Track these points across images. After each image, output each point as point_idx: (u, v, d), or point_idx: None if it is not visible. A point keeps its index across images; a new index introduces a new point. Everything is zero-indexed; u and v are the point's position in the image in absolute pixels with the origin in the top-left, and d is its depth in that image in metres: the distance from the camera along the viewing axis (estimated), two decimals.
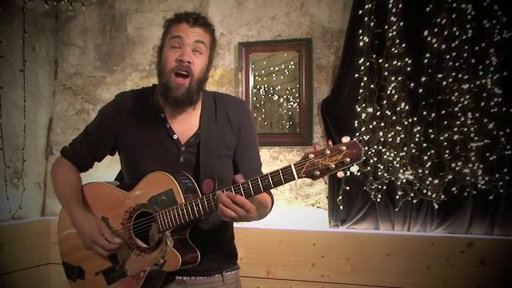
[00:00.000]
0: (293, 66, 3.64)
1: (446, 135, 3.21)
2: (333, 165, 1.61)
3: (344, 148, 1.61)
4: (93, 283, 2.01)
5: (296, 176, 1.65)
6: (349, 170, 3.38)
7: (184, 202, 1.81)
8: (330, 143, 1.65)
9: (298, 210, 3.57)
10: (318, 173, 1.63)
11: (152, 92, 2.03)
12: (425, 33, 3.23)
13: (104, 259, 1.97)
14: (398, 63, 3.28)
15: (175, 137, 1.95)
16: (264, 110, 3.72)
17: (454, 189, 3.20)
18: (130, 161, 2.02)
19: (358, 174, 3.37)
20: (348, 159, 1.60)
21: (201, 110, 1.99)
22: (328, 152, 1.63)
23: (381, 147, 3.32)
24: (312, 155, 1.64)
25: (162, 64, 1.90)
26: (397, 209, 3.33)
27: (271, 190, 1.82)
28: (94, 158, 2.12)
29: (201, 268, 1.91)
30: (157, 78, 1.95)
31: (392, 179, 3.30)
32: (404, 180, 3.27)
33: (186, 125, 1.97)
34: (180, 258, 1.81)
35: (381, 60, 3.31)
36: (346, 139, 1.62)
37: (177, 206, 1.81)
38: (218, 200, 1.71)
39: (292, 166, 1.66)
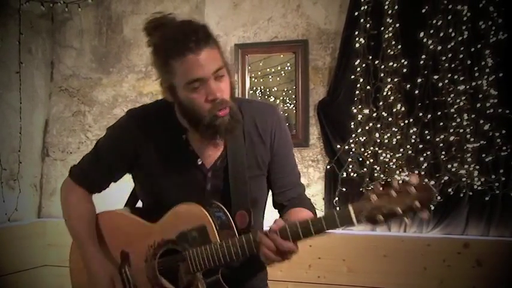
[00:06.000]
0: (289, 68, 3.64)
1: (442, 136, 3.22)
2: (400, 210, 1.38)
3: (413, 190, 1.39)
4: None
5: (355, 221, 1.43)
6: (345, 172, 3.39)
7: (219, 241, 1.61)
8: (397, 182, 1.42)
9: None
10: (381, 217, 1.40)
11: (168, 110, 1.75)
12: (421, 34, 3.23)
13: None
14: (394, 65, 3.28)
15: (199, 161, 1.74)
16: None
17: (450, 190, 3.21)
18: (149, 187, 1.83)
19: (355, 175, 3.37)
20: (418, 204, 1.38)
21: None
22: (393, 193, 1.40)
23: (377, 149, 3.32)
24: (374, 196, 1.41)
25: (187, 106, 1.63)
26: None
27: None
28: (108, 181, 1.89)
29: None
30: (179, 110, 1.70)
31: (389, 180, 3.31)
32: (400, 182, 3.27)
33: (210, 145, 1.74)
34: None
35: (377, 62, 3.31)
36: (415, 178, 1.40)
37: (210, 246, 1.61)
38: (261, 243, 1.53)
39: (350, 208, 1.43)
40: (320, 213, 3.45)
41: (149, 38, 1.68)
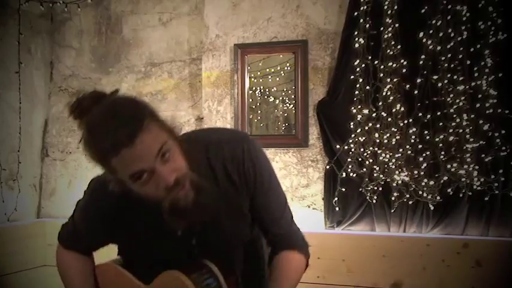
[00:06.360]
0: (289, 68, 3.64)
1: (441, 136, 3.21)
2: None
3: None
4: None
5: None
6: (345, 172, 3.39)
7: None
8: None
9: (294, 212, 3.54)
10: None
11: None
12: (421, 34, 3.23)
13: None
14: (394, 65, 3.28)
15: (179, 233, 1.57)
16: (259, 111, 3.72)
17: (449, 190, 3.21)
18: (135, 255, 1.70)
19: (354, 175, 3.38)
20: None
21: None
22: None
23: (376, 149, 3.32)
24: None
25: (142, 196, 1.42)
26: (392, 210, 3.33)
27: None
28: (92, 248, 1.80)
29: None
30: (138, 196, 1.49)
31: (388, 180, 3.31)
32: (400, 182, 3.28)
33: None
34: None
35: (376, 62, 3.31)
36: None
37: None
38: None
39: None
40: (320, 212, 3.46)
41: (78, 124, 1.44)
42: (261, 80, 3.72)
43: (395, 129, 3.28)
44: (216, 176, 1.54)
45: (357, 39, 3.34)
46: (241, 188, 1.56)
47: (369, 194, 3.34)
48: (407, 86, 3.27)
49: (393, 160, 3.28)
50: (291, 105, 3.63)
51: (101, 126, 1.34)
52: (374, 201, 3.35)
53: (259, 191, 1.59)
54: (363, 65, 3.33)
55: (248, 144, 1.58)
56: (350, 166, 3.38)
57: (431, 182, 3.23)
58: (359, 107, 3.35)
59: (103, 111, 1.36)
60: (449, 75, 3.19)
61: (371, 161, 3.33)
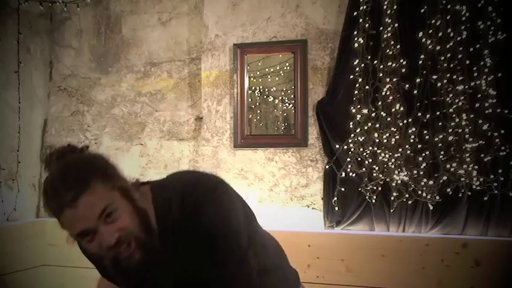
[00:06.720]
0: (288, 68, 3.64)
1: (441, 136, 3.22)
2: None
3: None
4: None
5: None
6: (344, 172, 3.39)
7: None
8: None
9: (293, 212, 3.58)
10: None
11: None
12: (420, 34, 3.23)
13: None
14: (393, 65, 3.28)
15: (152, 279, 1.53)
16: (259, 111, 3.72)
17: (448, 190, 3.21)
18: None
19: (354, 175, 3.38)
20: None
21: (160, 234, 1.46)
22: None
23: (375, 149, 3.32)
24: None
25: (88, 251, 1.45)
26: (392, 210, 3.33)
27: None
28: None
29: None
30: None
31: (387, 180, 3.31)
32: (399, 181, 3.28)
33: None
34: None
35: (375, 62, 3.31)
36: None
37: None
38: None
39: None
40: (319, 212, 3.46)
41: None
42: (260, 80, 3.72)
43: (395, 129, 3.28)
44: (174, 230, 1.46)
45: (356, 39, 3.34)
46: (199, 245, 1.44)
47: (368, 194, 3.34)
48: (407, 85, 3.27)
49: (392, 160, 3.29)
50: (290, 105, 3.63)
51: (50, 186, 1.40)
52: (373, 201, 3.35)
53: (211, 255, 1.45)
54: (362, 65, 3.33)
55: (208, 196, 1.46)
56: (349, 166, 3.38)
57: (431, 182, 3.23)
58: (358, 106, 3.35)
59: (57, 170, 1.42)
60: (448, 75, 3.20)
61: (370, 160, 3.33)
